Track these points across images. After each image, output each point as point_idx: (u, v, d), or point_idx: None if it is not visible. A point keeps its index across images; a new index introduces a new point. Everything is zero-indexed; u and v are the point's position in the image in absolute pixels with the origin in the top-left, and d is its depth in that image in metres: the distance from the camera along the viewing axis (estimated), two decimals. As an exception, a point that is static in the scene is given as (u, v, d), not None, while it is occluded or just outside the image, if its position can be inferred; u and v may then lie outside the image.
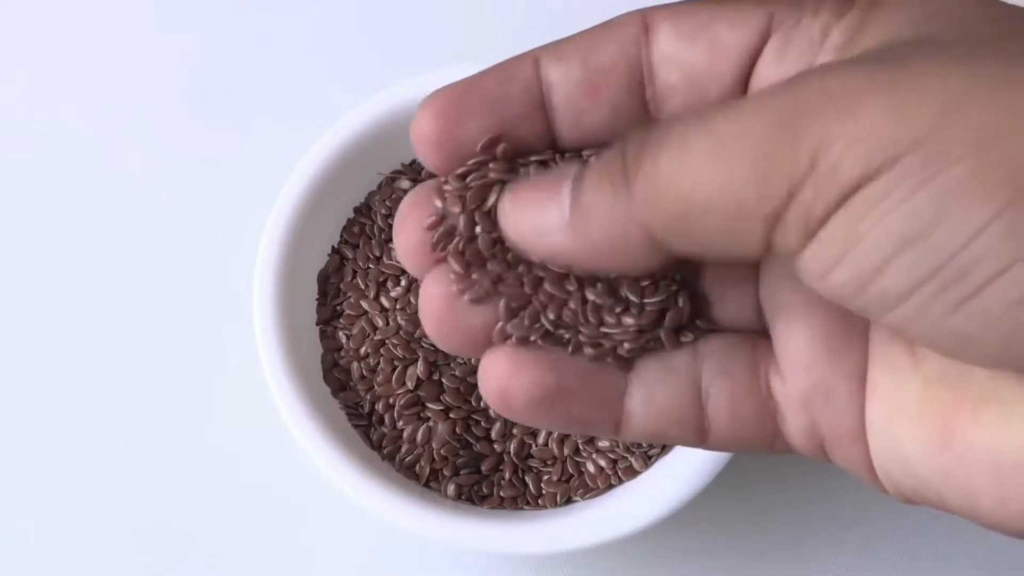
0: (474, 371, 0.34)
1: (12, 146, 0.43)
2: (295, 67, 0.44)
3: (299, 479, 0.38)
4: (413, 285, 0.36)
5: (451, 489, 0.34)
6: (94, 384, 0.40)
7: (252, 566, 0.39)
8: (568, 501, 0.34)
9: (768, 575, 0.39)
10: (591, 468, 0.34)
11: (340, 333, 0.36)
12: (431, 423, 0.34)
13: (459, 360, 0.34)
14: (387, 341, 0.35)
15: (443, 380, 0.34)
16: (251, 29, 0.45)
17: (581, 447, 0.34)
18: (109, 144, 0.43)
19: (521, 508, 0.34)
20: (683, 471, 0.33)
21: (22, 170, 0.43)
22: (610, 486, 0.34)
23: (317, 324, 0.36)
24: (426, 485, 0.34)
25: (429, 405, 0.34)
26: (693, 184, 0.18)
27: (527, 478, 0.34)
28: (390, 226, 0.37)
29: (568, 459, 0.34)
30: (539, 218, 0.21)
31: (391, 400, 0.35)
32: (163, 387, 0.40)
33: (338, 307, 0.36)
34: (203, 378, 0.40)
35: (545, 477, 0.34)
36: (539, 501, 0.34)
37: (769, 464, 0.39)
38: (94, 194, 0.42)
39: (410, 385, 0.34)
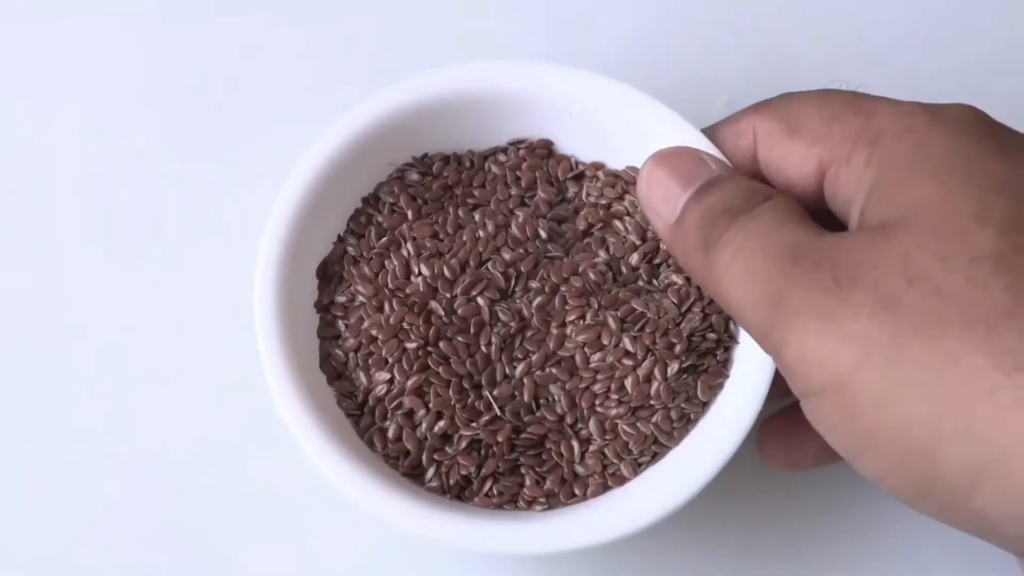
0: (471, 373, 0.34)
1: (11, 146, 0.43)
2: (295, 67, 0.44)
3: (299, 479, 0.38)
4: (412, 277, 0.36)
5: (437, 484, 0.34)
6: (94, 384, 0.40)
7: (251, 565, 0.38)
8: (565, 501, 0.34)
9: (767, 575, 0.39)
10: (581, 471, 0.34)
11: (339, 321, 0.36)
12: (423, 416, 0.34)
13: (455, 356, 0.34)
14: (383, 332, 0.35)
15: (438, 375, 0.34)
16: (251, 29, 0.45)
17: (575, 449, 0.34)
18: (109, 144, 0.43)
19: (516, 508, 0.34)
20: (682, 471, 0.33)
21: (21, 170, 0.43)
22: (603, 488, 0.34)
23: (317, 311, 0.36)
24: (415, 479, 0.34)
25: (422, 399, 0.34)
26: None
27: (519, 477, 0.34)
28: (395, 215, 0.37)
29: (562, 460, 0.34)
30: (656, 203, 0.30)
31: (384, 391, 0.34)
32: (162, 387, 0.40)
33: (338, 295, 0.36)
34: (203, 378, 0.40)
35: (538, 478, 0.34)
36: (534, 501, 0.34)
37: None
38: (94, 194, 0.42)
39: (403, 378, 0.34)
